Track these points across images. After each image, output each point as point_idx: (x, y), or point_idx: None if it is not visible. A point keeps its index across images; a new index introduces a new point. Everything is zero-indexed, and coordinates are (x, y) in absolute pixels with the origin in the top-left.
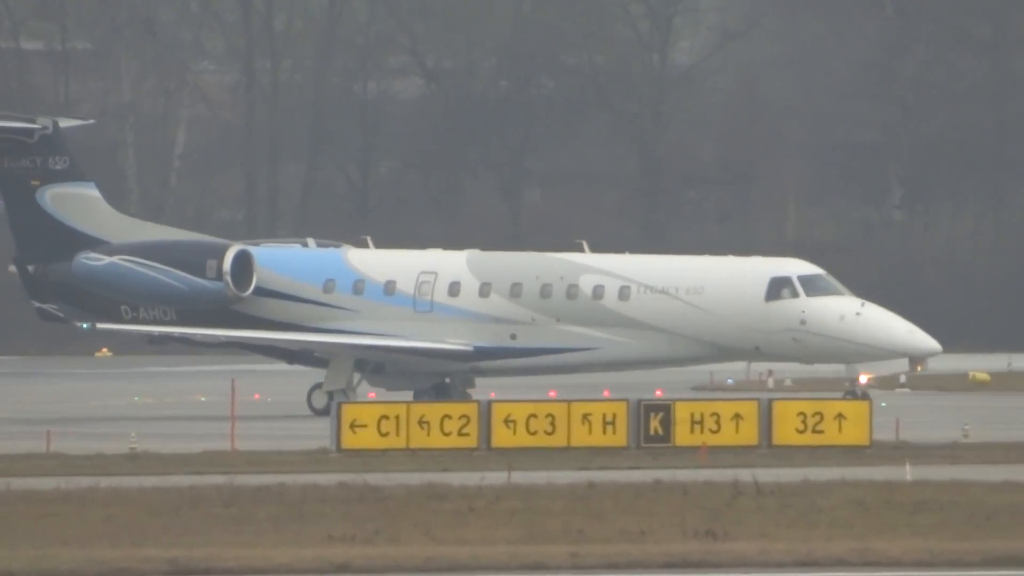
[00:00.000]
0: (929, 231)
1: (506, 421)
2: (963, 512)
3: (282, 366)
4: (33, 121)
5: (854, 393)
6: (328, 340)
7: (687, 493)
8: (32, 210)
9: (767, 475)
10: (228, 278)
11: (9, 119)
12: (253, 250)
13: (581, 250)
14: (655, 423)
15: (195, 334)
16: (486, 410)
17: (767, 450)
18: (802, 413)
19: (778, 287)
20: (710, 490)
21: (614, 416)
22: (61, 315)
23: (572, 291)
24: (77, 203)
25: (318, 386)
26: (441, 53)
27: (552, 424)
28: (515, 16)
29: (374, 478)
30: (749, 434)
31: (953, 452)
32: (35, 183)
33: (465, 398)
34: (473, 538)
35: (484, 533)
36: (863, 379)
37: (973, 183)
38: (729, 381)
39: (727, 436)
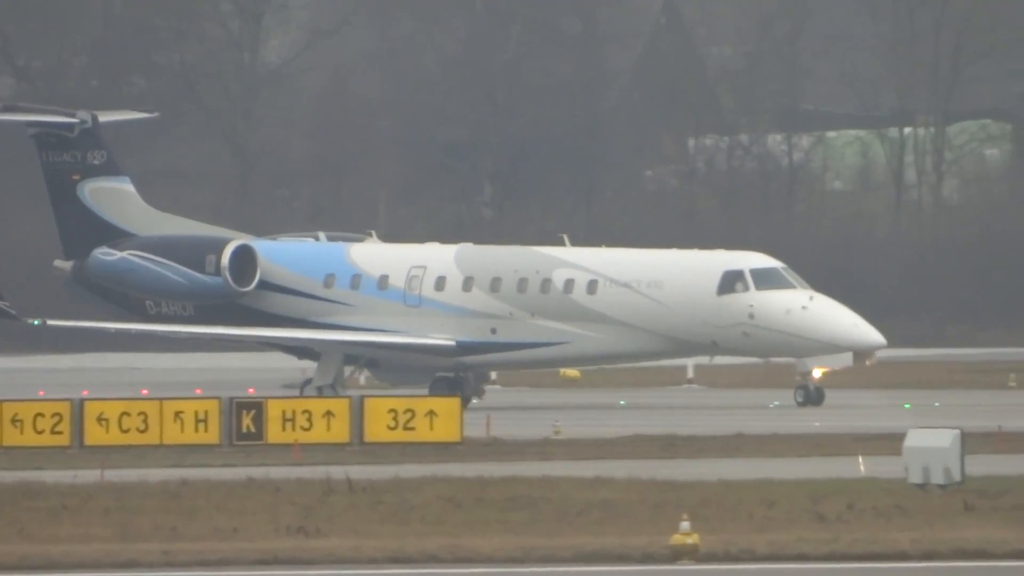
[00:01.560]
0: (519, 227)
1: (99, 419)
2: (554, 508)
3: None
4: (73, 115)
5: (806, 388)
6: (310, 336)
7: (279, 490)
8: (73, 205)
9: (359, 472)
10: (227, 273)
11: (50, 113)
12: (258, 245)
13: (561, 243)
14: (247, 420)
15: (160, 331)
16: (79, 408)
17: (359, 447)
18: (393, 410)
19: (731, 281)
20: (302, 487)
21: (206, 413)
22: (13, 312)
23: (545, 285)
24: (113, 197)
25: (308, 381)
26: (32, 52)
27: (145, 422)
28: (106, 14)
29: None
30: (341, 431)
31: (544, 449)
32: (76, 177)
33: (479, 392)
34: (66, 536)
35: (77, 531)
36: (816, 374)
37: (563, 179)
38: None
39: (319, 433)
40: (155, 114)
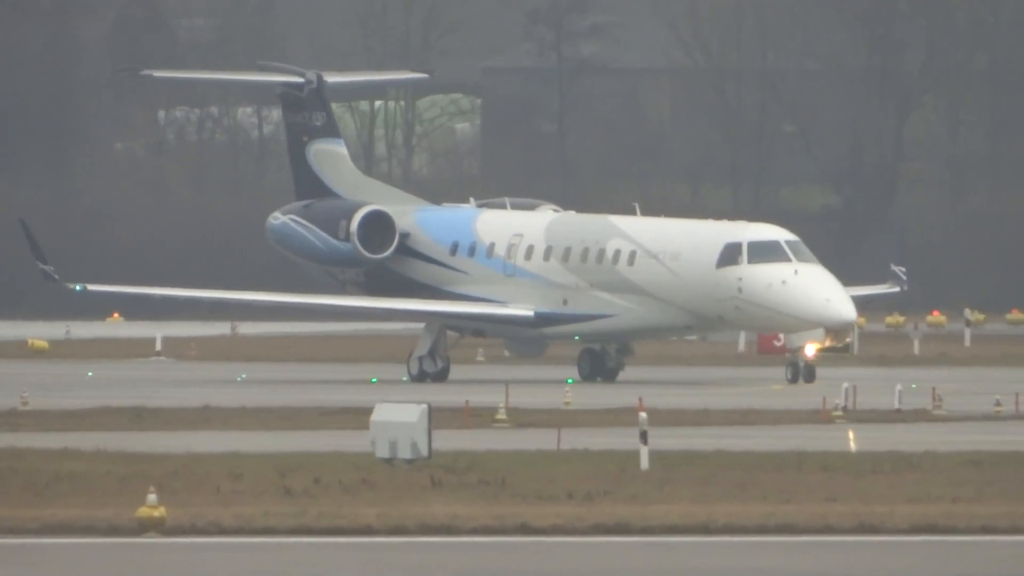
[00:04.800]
0: None
1: None
2: (21, 480)
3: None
4: (303, 74)
5: (796, 365)
6: (396, 306)
7: None
8: (302, 165)
9: None
10: (355, 238)
11: (284, 72)
12: (417, 212)
13: (633, 212)
14: None
15: (192, 297)
16: None
17: None
18: None
19: (731, 253)
20: None
21: None
22: (56, 277)
23: (600, 255)
24: (330, 159)
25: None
26: None
27: None
28: None
29: None
30: None
31: (11, 419)
32: (305, 139)
33: (621, 365)
34: None
35: None
36: (810, 350)
37: (33, 151)
38: None
39: None
40: (424, 75)
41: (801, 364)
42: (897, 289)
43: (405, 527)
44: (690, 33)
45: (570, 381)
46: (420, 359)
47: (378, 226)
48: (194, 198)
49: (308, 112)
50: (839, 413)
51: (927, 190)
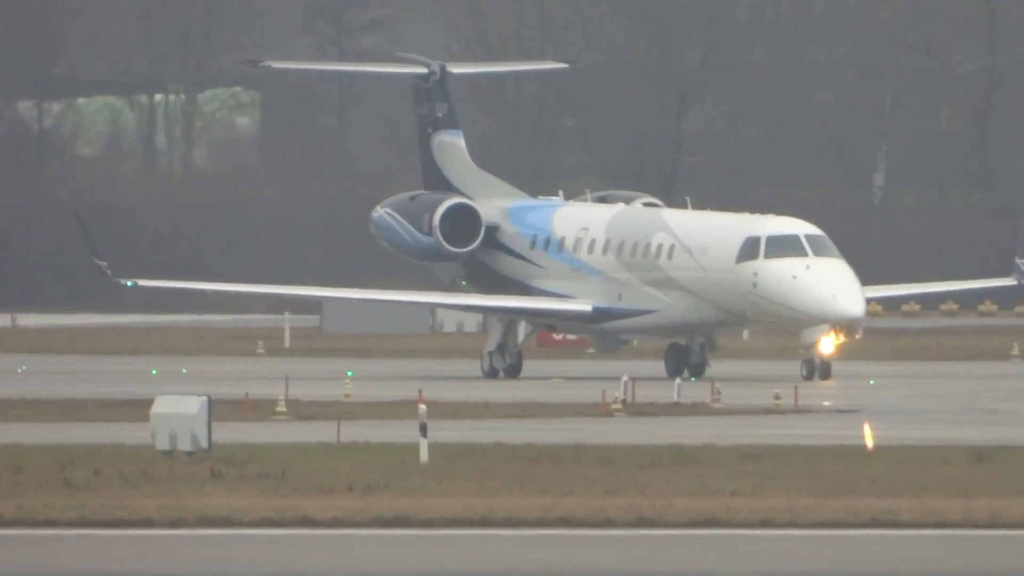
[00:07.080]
0: None
1: None
2: None
3: None
4: (428, 65)
5: (811, 362)
6: (452, 301)
7: None
8: (428, 156)
9: None
10: (437, 232)
11: (410, 64)
12: (498, 204)
13: (685, 206)
14: None
15: (228, 290)
16: None
17: None
18: None
19: (750, 248)
20: None
21: None
22: (108, 272)
23: (646, 250)
24: (450, 151)
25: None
26: None
27: None
28: None
29: None
30: None
31: None
32: (429, 130)
33: (706, 360)
34: None
35: None
36: (826, 346)
37: None
38: None
39: None
40: (564, 65)
41: (817, 361)
42: (1016, 282)
43: (185, 519)
44: (470, 27)
45: (350, 374)
46: (489, 355)
47: (465, 220)
48: None
49: (432, 103)
50: (618, 406)
51: (707, 184)
